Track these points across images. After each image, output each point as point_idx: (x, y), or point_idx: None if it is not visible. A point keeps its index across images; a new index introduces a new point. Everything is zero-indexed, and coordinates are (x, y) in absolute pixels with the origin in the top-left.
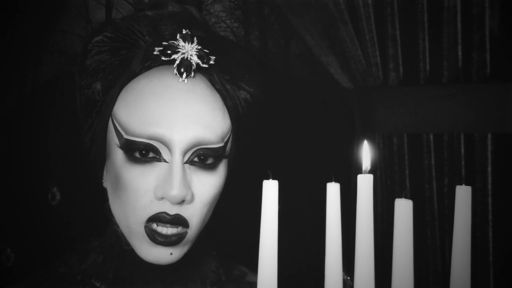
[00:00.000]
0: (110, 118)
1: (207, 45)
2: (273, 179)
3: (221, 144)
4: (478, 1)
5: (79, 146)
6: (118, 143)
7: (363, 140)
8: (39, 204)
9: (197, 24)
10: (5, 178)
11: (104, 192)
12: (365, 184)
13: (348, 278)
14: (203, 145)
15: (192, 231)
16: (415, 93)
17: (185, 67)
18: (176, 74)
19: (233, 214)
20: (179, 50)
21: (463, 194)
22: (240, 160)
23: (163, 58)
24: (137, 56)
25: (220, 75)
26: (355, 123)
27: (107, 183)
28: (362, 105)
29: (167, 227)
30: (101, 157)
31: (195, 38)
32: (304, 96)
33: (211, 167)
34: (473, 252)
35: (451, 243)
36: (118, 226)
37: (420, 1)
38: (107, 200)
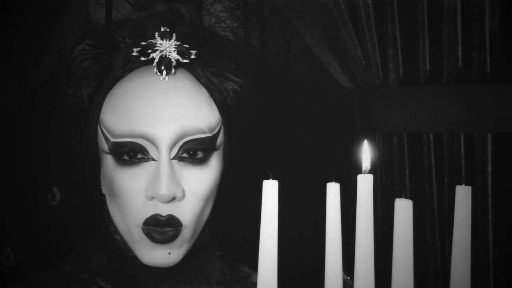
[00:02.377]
0: (98, 124)
1: (190, 40)
2: (273, 179)
3: (208, 134)
4: (478, 1)
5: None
6: (107, 148)
7: (363, 140)
8: (39, 204)
9: (180, 20)
10: (5, 178)
11: (103, 197)
12: (365, 184)
13: (348, 278)
14: (189, 135)
15: (188, 228)
16: (415, 93)
17: (165, 64)
18: (156, 72)
19: (237, 213)
20: (157, 48)
21: (463, 194)
22: (242, 157)
23: (142, 58)
24: (118, 60)
25: (205, 69)
26: (355, 123)
27: (105, 189)
28: (362, 105)
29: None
30: (97, 163)
31: (173, 34)
32: (304, 96)
33: (202, 161)
34: (473, 252)
35: (451, 243)
36: (117, 234)
37: (420, 1)
38: (105, 203)
